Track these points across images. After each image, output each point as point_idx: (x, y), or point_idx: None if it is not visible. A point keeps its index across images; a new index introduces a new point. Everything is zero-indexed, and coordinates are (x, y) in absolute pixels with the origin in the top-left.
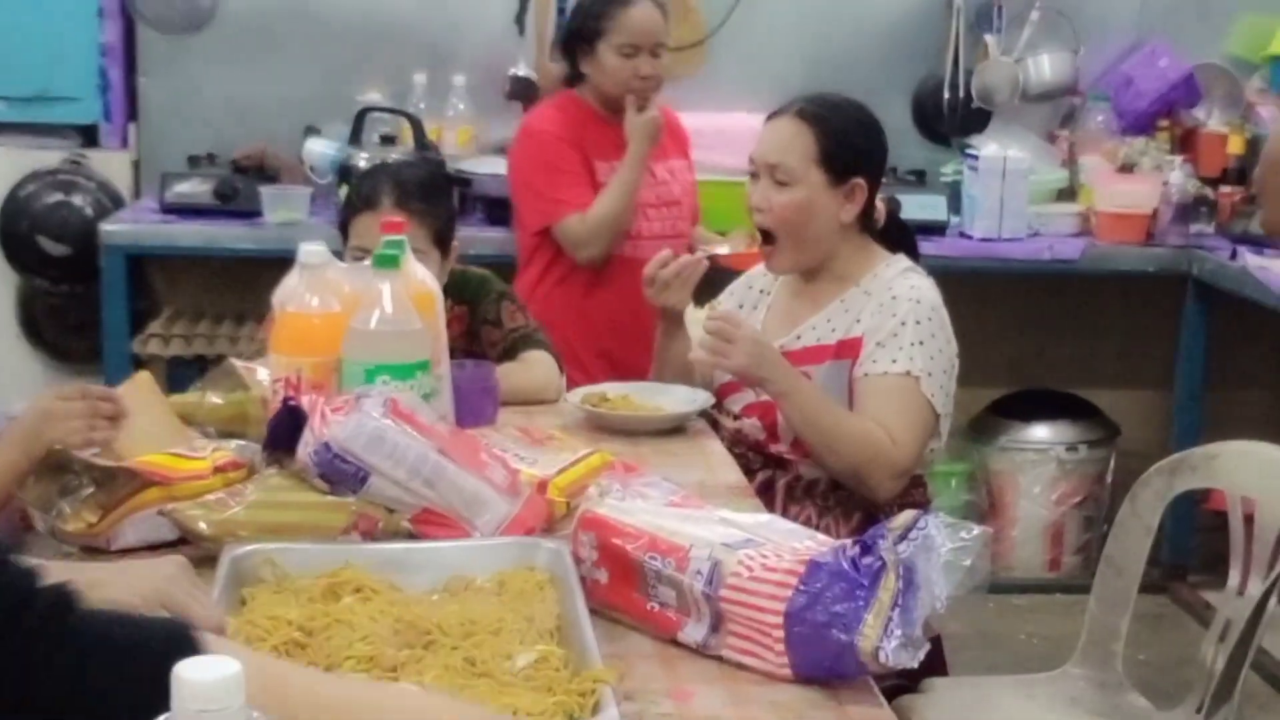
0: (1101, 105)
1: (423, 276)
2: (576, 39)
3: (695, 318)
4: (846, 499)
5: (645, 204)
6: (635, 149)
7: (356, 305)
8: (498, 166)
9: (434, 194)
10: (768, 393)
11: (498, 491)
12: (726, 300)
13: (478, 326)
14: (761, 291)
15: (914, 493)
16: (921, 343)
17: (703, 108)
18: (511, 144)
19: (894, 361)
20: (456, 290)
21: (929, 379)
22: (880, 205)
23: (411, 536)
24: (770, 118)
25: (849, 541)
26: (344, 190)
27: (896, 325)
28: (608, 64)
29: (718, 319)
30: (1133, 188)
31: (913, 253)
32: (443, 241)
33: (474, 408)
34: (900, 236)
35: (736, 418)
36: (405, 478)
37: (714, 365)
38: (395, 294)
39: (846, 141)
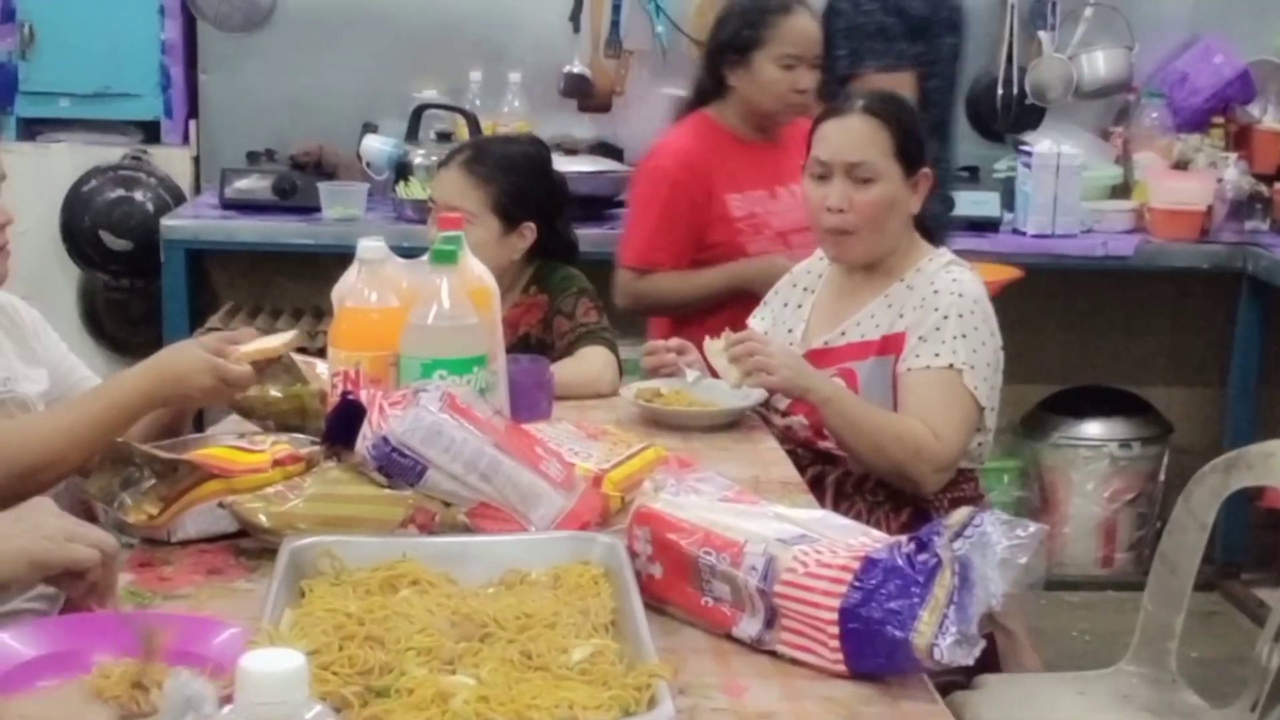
0: (1156, 102)
1: (480, 272)
2: (728, 50)
3: (713, 349)
4: (895, 494)
5: (787, 230)
6: (738, 274)
7: (414, 300)
8: (556, 163)
9: (509, 165)
10: (810, 401)
11: (553, 485)
12: (772, 299)
13: (553, 316)
14: (805, 289)
15: (965, 488)
16: (964, 336)
17: None
18: (643, 158)
19: (936, 355)
20: (541, 279)
21: (972, 371)
22: None
23: (468, 530)
24: (828, 117)
25: (905, 538)
26: (400, 186)
27: (939, 319)
28: (764, 76)
29: (743, 341)
30: (1187, 184)
31: (935, 241)
32: (506, 213)
33: (529, 402)
34: (921, 225)
35: (785, 414)
36: (462, 472)
37: (757, 385)
38: (452, 289)
39: (915, 133)
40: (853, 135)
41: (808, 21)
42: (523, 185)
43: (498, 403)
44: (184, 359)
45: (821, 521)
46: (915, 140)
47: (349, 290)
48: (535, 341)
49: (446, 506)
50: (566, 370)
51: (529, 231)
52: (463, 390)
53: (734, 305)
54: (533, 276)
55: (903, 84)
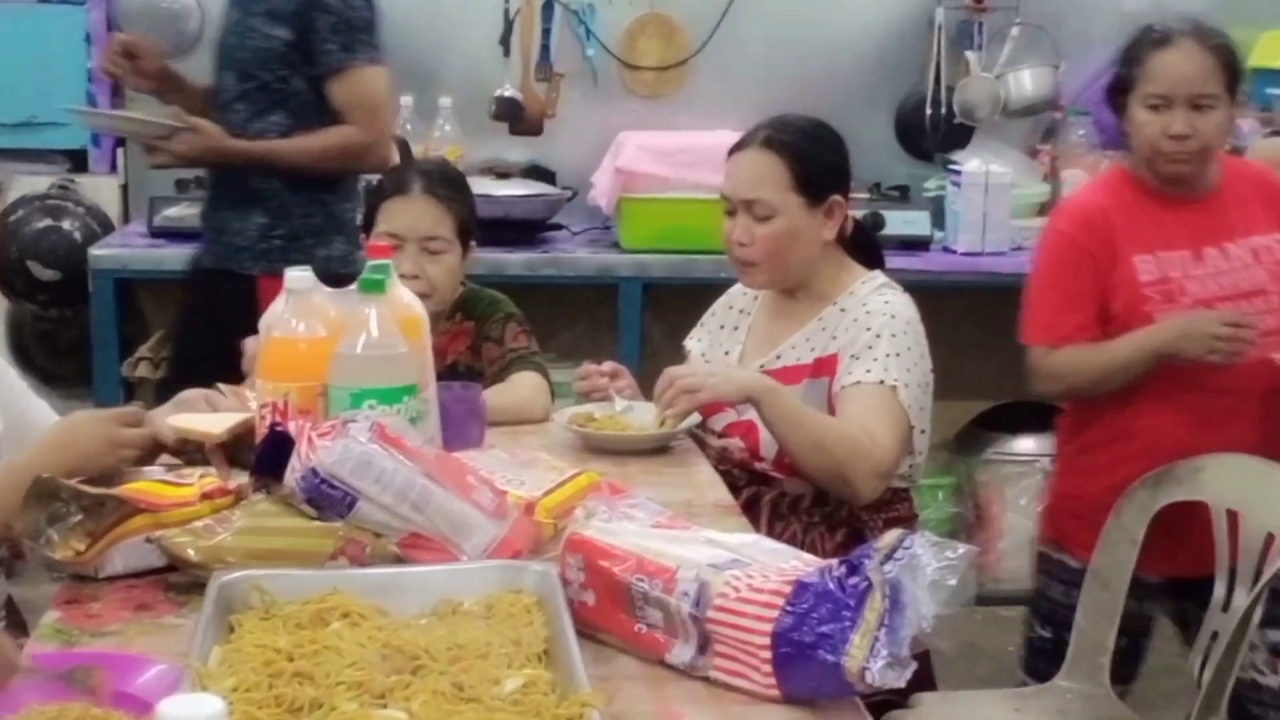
0: (1082, 120)
1: (409, 300)
2: (1115, 92)
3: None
4: (831, 515)
5: (1211, 297)
6: (1155, 337)
7: (343, 330)
8: (486, 187)
9: (460, 185)
10: (751, 399)
11: (485, 514)
12: (709, 320)
13: (481, 343)
14: (741, 311)
15: (899, 508)
16: (897, 355)
17: (686, 126)
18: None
19: (868, 372)
20: (467, 306)
21: (906, 390)
22: (849, 218)
23: (399, 561)
24: (734, 151)
25: (835, 562)
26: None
27: (871, 338)
28: (1136, 120)
29: (661, 389)
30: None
31: (878, 262)
32: (465, 236)
33: (460, 430)
34: (868, 247)
35: (720, 435)
36: (393, 502)
37: (693, 409)
38: (381, 318)
39: (817, 162)
40: (749, 171)
41: (1185, 55)
42: (472, 204)
43: (429, 431)
44: (82, 439)
45: (754, 546)
46: (822, 170)
47: (276, 320)
48: (464, 369)
49: (377, 538)
50: (498, 396)
51: (473, 251)
52: (393, 420)
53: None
54: (457, 303)
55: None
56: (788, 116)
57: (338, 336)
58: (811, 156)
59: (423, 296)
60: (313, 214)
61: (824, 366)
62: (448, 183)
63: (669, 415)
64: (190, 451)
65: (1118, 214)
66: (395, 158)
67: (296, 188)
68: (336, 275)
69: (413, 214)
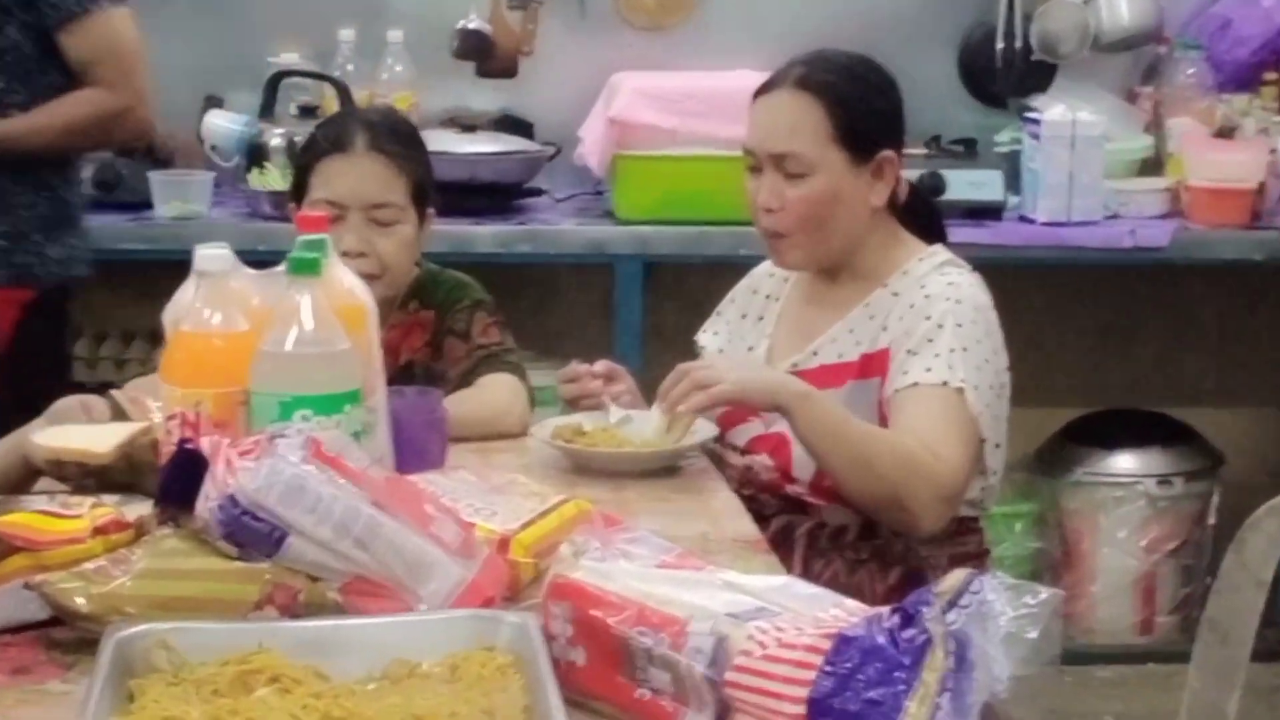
0: (1192, 55)
1: (351, 285)
2: None
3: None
4: (882, 551)
5: None
6: None
7: (268, 322)
8: (447, 143)
9: (414, 139)
10: (779, 407)
11: (447, 552)
12: (727, 309)
13: (442, 338)
14: (768, 297)
15: (968, 541)
16: (964, 349)
17: (696, 66)
18: None
19: (928, 370)
20: (424, 292)
21: (975, 393)
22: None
23: (341, 611)
24: (760, 94)
25: (886, 610)
26: (254, 174)
27: (931, 329)
28: None
29: (668, 385)
30: (1233, 157)
31: (939, 236)
32: (421, 203)
33: (417, 447)
34: (926, 217)
35: (743, 452)
36: (332, 537)
37: (710, 406)
38: (317, 307)
39: (864, 108)
40: (780, 118)
41: None
42: (429, 163)
43: (377, 449)
44: None
45: (784, 590)
46: (869, 118)
47: (185, 310)
48: (422, 371)
49: (313, 581)
50: (464, 405)
51: (431, 223)
52: (331, 435)
53: None
54: (413, 288)
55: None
56: (826, 52)
57: (262, 330)
58: (857, 101)
59: (370, 279)
60: (38, 204)
61: (872, 365)
62: (398, 137)
63: (678, 415)
64: (77, 476)
65: None
66: (153, 121)
67: (18, 171)
68: (64, 284)
69: (356, 175)
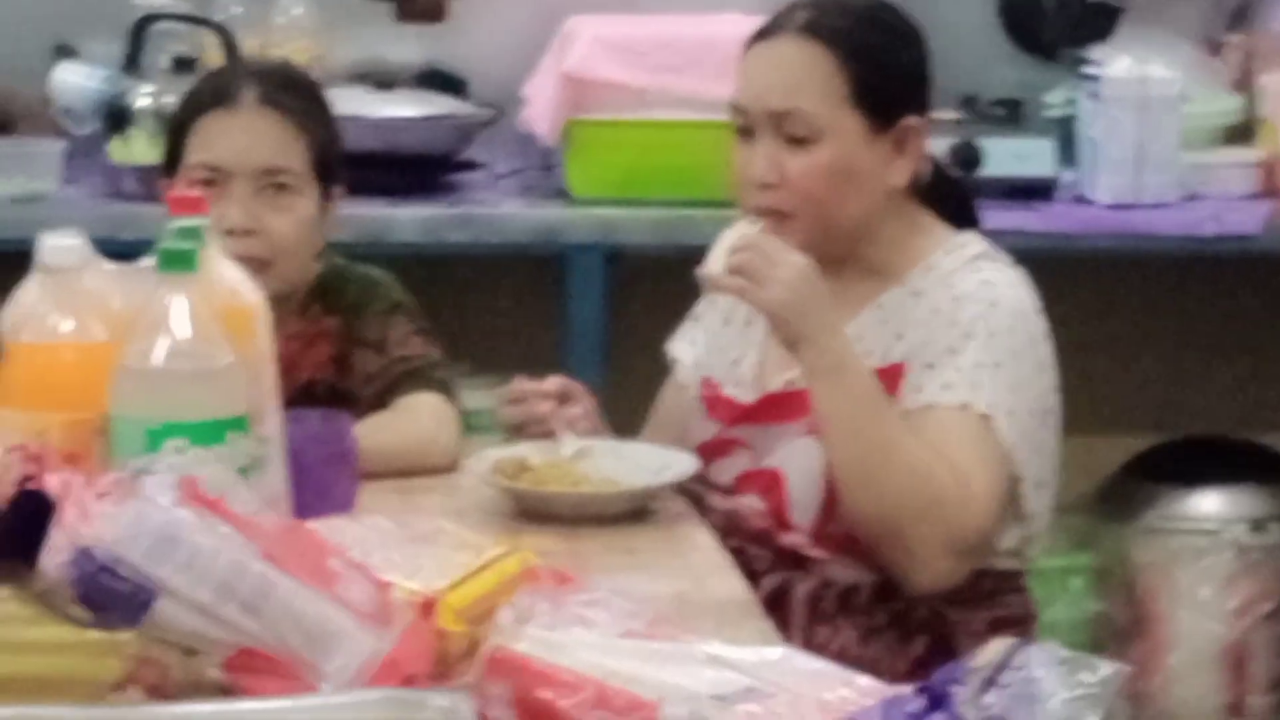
0: None
1: (236, 282)
2: None
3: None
4: (904, 615)
5: None
6: None
7: (131, 330)
8: (360, 104)
9: (315, 96)
10: (803, 362)
11: (357, 619)
12: (706, 312)
13: (351, 350)
14: None
15: (1009, 601)
16: (995, 365)
17: (670, 6)
18: None
19: (946, 388)
20: (330, 292)
21: (1009, 420)
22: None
23: (225, 692)
24: (756, 41)
25: (909, 690)
26: (116, 143)
27: (957, 338)
28: None
29: (756, 236)
30: None
31: (971, 222)
32: (324, 175)
33: (321, 486)
34: (954, 199)
35: (729, 493)
36: (212, 600)
37: (739, 295)
38: (193, 311)
39: (887, 62)
40: (780, 69)
41: None
42: (334, 126)
43: (269, 489)
44: None
45: (780, 665)
46: (892, 75)
47: (27, 315)
48: (327, 391)
49: (189, 655)
50: (379, 433)
51: (338, 202)
52: (212, 471)
53: None
54: (315, 287)
55: None
56: None
57: (124, 341)
58: (878, 53)
59: (257, 267)
60: None
61: (886, 382)
62: (298, 91)
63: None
64: None
65: None
66: None
67: None
68: None
69: (244, 135)
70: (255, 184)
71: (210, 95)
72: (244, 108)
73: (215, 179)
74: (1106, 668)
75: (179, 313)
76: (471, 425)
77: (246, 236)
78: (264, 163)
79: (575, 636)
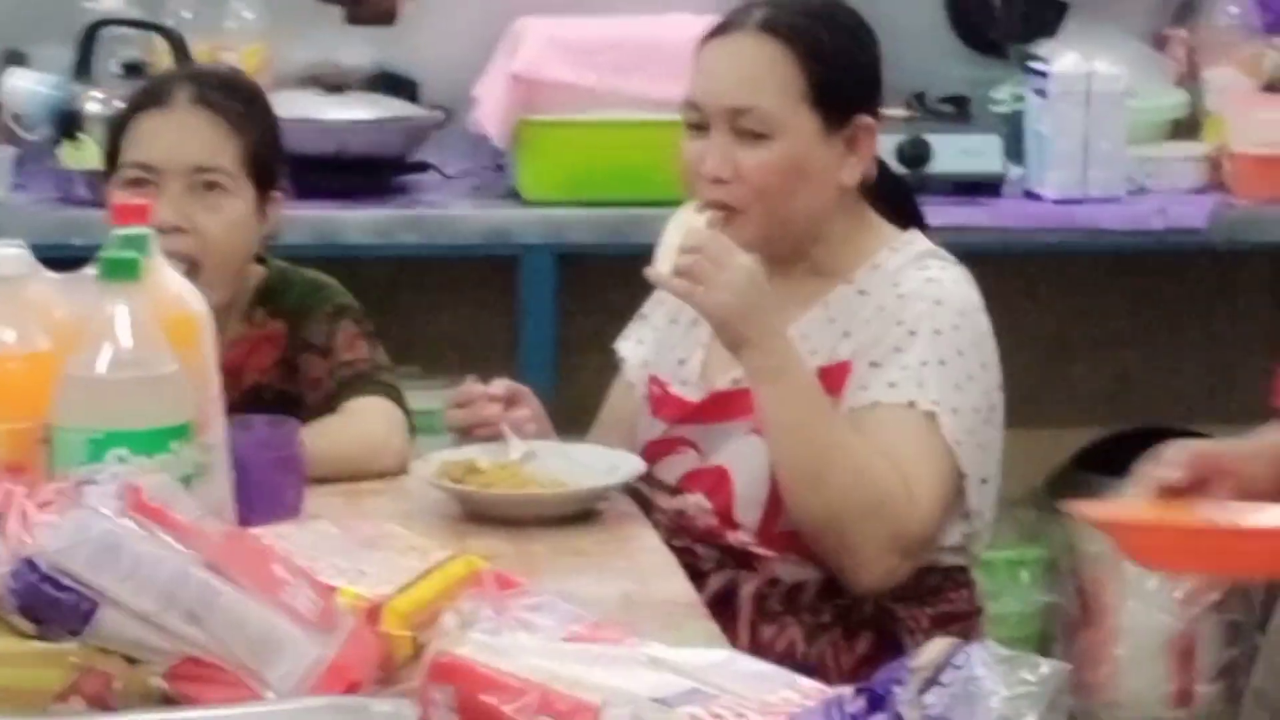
0: None
1: (180, 291)
2: None
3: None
4: (849, 611)
5: None
6: None
7: (74, 339)
8: (309, 107)
9: (254, 97)
10: (745, 365)
11: (301, 626)
12: (654, 312)
13: (297, 354)
14: None
15: (953, 597)
16: (941, 363)
17: (620, 9)
18: None
19: (892, 386)
20: (275, 295)
21: (951, 418)
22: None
23: (169, 701)
24: (713, 37)
25: (848, 692)
26: (67, 148)
27: (902, 336)
28: None
29: (705, 236)
30: None
31: (915, 221)
32: (262, 175)
33: (266, 492)
34: (898, 197)
35: (675, 492)
36: (155, 609)
37: (685, 297)
38: (136, 319)
39: (844, 61)
40: (738, 65)
41: None
42: (274, 126)
43: (214, 497)
44: None
45: (723, 668)
46: (848, 74)
47: None
48: (273, 395)
49: (131, 664)
50: (326, 437)
51: (278, 205)
52: (155, 480)
53: None
54: (261, 291)
55: None
56: None
57: (66, 349)
58: (835, 52)
59: (188, 265)
60: None
61: (831, 381)
62: (233, 92)
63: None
64: None
65: None
66: None
67: None
68: None
69: (175, 133)
70: (186, 182)
71: (146, 96)
72: (177, 107)
73: (148, 178)
74: (1047, 666)
75: (122, 321)
76: (423, 427)
77: (176, 234)
78: (195, 161)
79: (518, 641)
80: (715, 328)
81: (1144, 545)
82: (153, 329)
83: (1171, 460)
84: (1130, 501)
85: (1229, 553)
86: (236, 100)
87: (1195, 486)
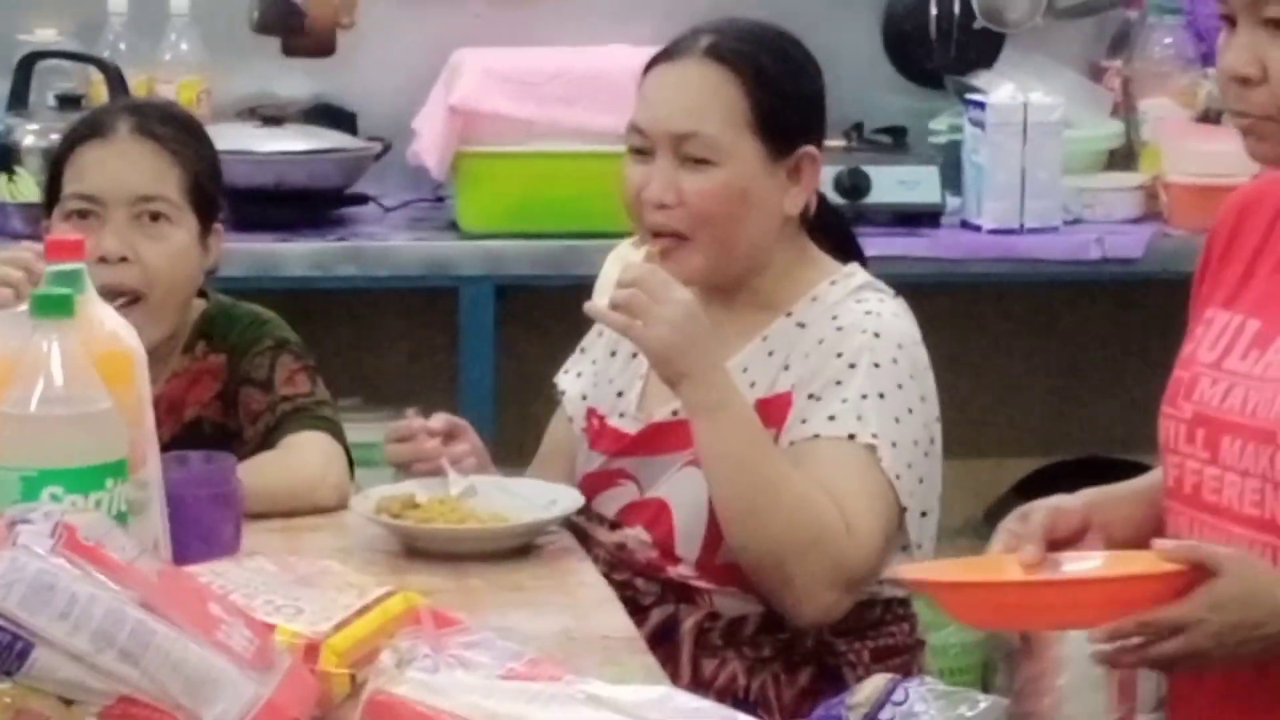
0: (1170, 21)
1: (115, 327)
2: None
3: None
4: (790, 645)
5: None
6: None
7: (8, 377)
8: (247, 139)
9: (195, 129)
10: (683, 400)
11: (238, 664)
12: (594, 344)
13: (236, 388)
14: None
15: (893, 630)
16: (880, 396)
17: (558, 40)
18: None
19: (832, 419)
20: (214, 329)
21: (890, 451)
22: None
23: None
24: (658, 62)
25: None
26: (2, 182)
27: (841, 369)
28: None
29: (643, 270)
30: (1221, 147)
31: (854, 254)
32: (203, 206)
33: (203, 529)
34: (837, 230)
35: (613, 527)
36: (90, 649)
37: (623, 331)
38: (69, 356)
39: (789, 90)
40: (684, 91)
41: None
42: (215, 158)
43: (149, 534)
44: None
45: (661, 704)
46: (793, 103)
47: None
48: (211, 430)
49: (66, 705)
50: (264, 473)
51: (219, 237)
52: (90, 518)
53: None
54: (199, 324)
55: None
56: (738, 20)
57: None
58: (781, 80)
59: (131, 300)
60: None
61: (770, 413)
62: (174, 122)
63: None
64: None
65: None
66: None
67: None
68: None
69: (118, 163)
70: (130, 212)
71: (87, 128)
72: (118, 138)
73: (92, 209)
74: (985, 701)
75: (55, 358)
76: (364, 459)
77: (120, 265)
78: (138, 190)
79: (456, 679)
80: (653, 362)
81: (959, 603)
82: (86, 366)
83: (1027, 532)
84: (946, 563)
85: (1031, 607)
86: (177, 131)
87: (1067, 541)
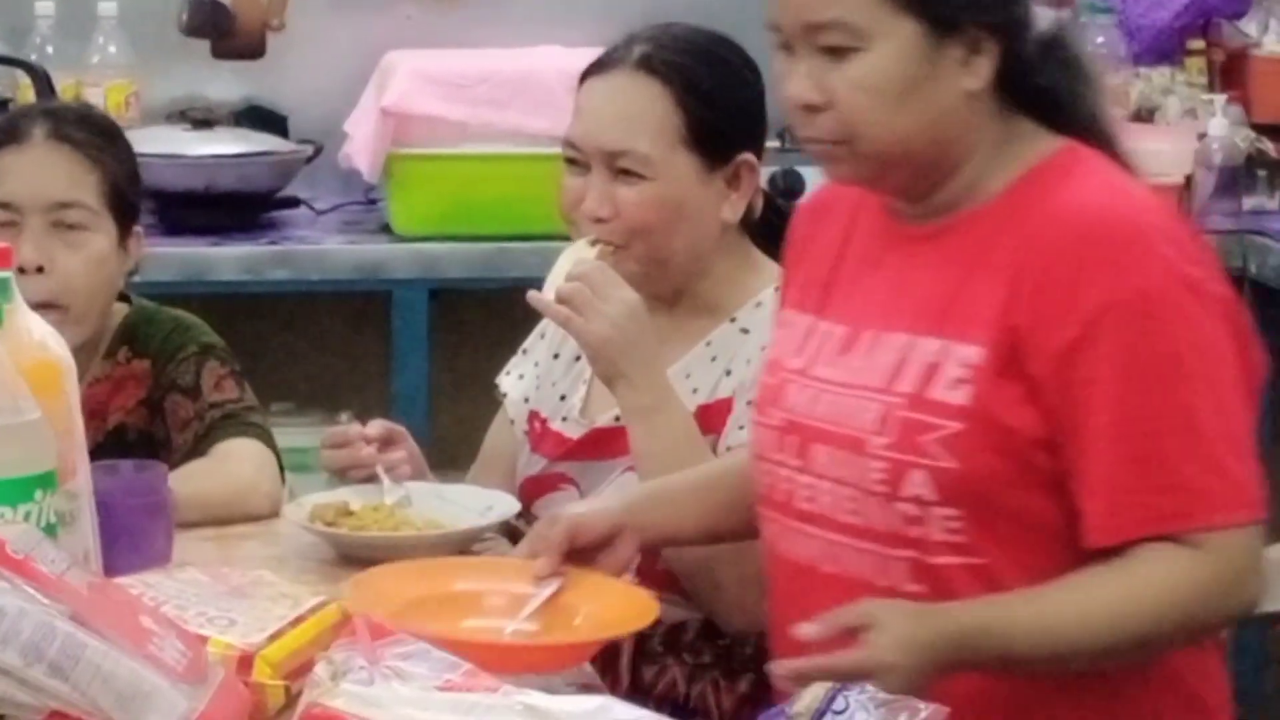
0: (1101, 20)
1: (42, 336)
2: None
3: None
4: (730, 652)
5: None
6: None
7: None
8: (176, 143)
9: (112, 132)
10: (620, 402)
11: (169, 677)
12: (535, 347)
13: (162, 395)
14: None
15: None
16: None
17: (489, 40)
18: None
19: None
20: (138, 335)
21: None
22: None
23: None
24: (591, 75)
25: None
26: None
27: None
28: None
29: (592, 267)
30: (1153, 145)
31: None
32: (122, 211)
33: (134, 539)
34: (780, 230)
35: None
36: (19, 663)
37: (563, 324)
38: None
39: (724, 100)
40: (615, 106)
41: None
42: (133, 162)
43: (79, 546)
44: None
45: (598, 715)
46: (728, 113)
47: None
48: (137, 438)
49: None
50: (194, 481)
51: (139, 242)
52: (18, 530)
53: None
54: (123, 331)
55: None
56: (674, 27)
57: None
58: (714, 90)
59: (51, 309)
60: None
61: (711, 418)
62: (90, 126)
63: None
64: None
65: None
66: None
67: None
68: None
69: (34, 169)
70: (47, 219)
71: (2, 134)
72: (34, 144)
73: (9, 217)
74: (926, 709)
75: None
76: (298, 464)
77: (38, 275)
78: (55, 197)
79: (392, 690)
80: (590, 358)
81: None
82: (13, 376)
83: (544, 546)
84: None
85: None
86: (94, 135)
87: (596, 547)
